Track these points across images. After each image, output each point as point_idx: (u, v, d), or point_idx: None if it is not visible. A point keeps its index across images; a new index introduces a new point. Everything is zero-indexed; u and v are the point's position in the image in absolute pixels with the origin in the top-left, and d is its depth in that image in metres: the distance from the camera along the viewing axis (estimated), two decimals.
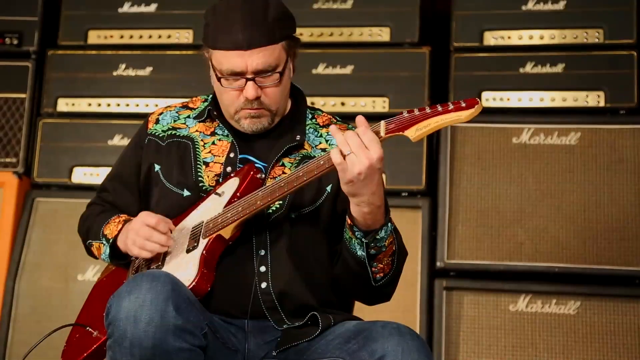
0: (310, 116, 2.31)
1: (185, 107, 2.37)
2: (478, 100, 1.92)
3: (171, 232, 2.16)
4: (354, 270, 2.10)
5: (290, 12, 2.21)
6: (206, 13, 2.19)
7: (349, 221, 2.04)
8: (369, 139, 1.93)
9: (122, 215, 2.27)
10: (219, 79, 2.17)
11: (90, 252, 2.37)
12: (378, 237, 2.03)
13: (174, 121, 2.33)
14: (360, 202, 1.97)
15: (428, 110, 1.94)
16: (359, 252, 2.06)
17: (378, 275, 2.11)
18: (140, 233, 2.12)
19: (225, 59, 2.13)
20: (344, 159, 1.92)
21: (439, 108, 1.93)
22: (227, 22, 2.12)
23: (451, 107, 1.92)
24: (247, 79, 2.13)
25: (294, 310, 2.12)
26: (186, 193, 2.22)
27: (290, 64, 2.21)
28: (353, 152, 1.92)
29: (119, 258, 2.25)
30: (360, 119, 1.98)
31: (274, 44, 2.13)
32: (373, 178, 1.94)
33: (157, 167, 2.28)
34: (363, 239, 2.03)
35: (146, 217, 2.14)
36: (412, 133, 1.94)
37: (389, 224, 2.05)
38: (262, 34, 2.11)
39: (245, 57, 2.11)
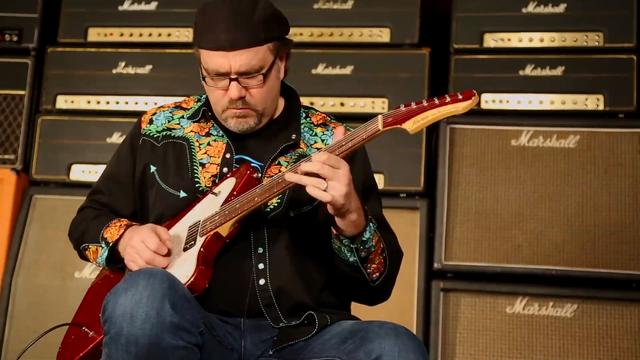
0: (304, 115, 2.32)
1: (178, 107, 2.36)
2: (475, 92, 1.93)
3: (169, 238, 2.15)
4: (351, 275, 2.12)
5: (280, 14, 2.20)
6: (197, 12, 2.20)
7: (334, 231, 2.06)
8: (335, 160, 1.96)
9: (122, 220, 2.25)
10: (204, 78, 2.18)
11: (83, 256, 2.34)
12: (364, 238, 2.05)
13: (168, 122, 2.32)
14: (349, 213, 2.00)
15: (425, 103, 1.95)
16: (351, 259, 2.08)
17: (374, 275, 2.13)
18: (142, 255, 2.10)
19: (210, 59, 2.14)
20: (326, 191, 1.95)
21: (436, 101, 1.94)
22: (213, 22, 2.13)
23: (448, 99, 1.94)
24: (231, 79, 2.13)
25: (290, 308, 2.12)
26: (182, 194, 2.21)
27: (278, 66, 2.21)
28: (330, 180, 1.95)
29: (116, 262, 2.24)
30: (339, 133, 2.01)
31: (258, 46, 2.12)
32: (352, 187, 1.98)
33: (152, 168, 2.27)
34: (351, 245, 2.05)
35: (147, 238, 2.11)
36: (410, 125, 1.95)
37: (371, 224, 2.07)
38: (246, 35, 2.11)
39: (229, 57, 2.11)
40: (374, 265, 2.11)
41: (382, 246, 2.11)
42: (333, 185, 1.95)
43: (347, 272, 2.12)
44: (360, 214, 2.03)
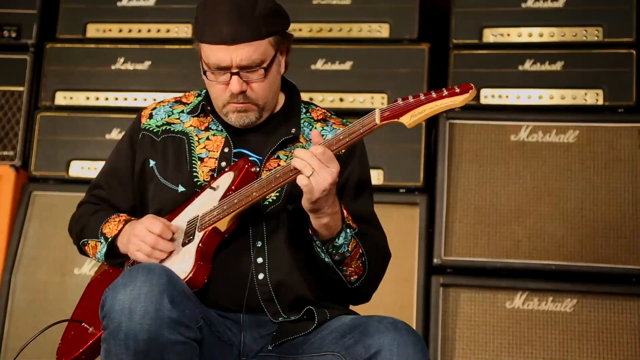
0: (304, 110, 2.32)
1: (178, 102, 2.37)
2: (472, 85, 1.93)
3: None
4: (328, 274, 2.13)
5: (281, 8, 2.21)
6: (197, 6, 2.20)
7: (310, 231, 2.07)
8: (328, 157, 1.97)
9: (122, 215, 2.26)
10: (204, 73, 2.18)
11: (83, 251, 2.35)
12: (337, 244, 2.06)
13: (168, 116, 2.32)
14: (321, 214, 2.01)
15: (422, 97, 1.95)
16: (326, 259, 2.09)
17: (352, 278, 2.14)
18: (146, 241, 2.11)
19: (212, 53, 2.14)
20: (309, 179, 1.96)
21: (433, 94, 1.95)
22: (214, 16, 2.13)
23: (445, 92, 1.94)
24: (232, 73, 2.13)
25: (290, 302, 2.12)
26: (181, 189, 2.22)
27: (279, 60, 2.21)
28: (316, 172, 1.96)
29: (115, 257, 2.24)
30: (315, 135, 2.02)
31: (260, 40, 2.12)
32: (333, 191, 1.99)
33: (152, 163, 2.27)
34: (323, 247, 2.06)
35: (150, 225, 2.12)
36: (407, 119, 1.95)
37: (348, 230, 2.07)
38: (248, 29, 2.11)
39: (230, 51, 2.11)
40: (350, 269, 2.12)
41: (360, 251, 2.11)
42: (315, 177, 1.95)
43: (325, 270, 2.13)
44: (335, 219, 2.03)
